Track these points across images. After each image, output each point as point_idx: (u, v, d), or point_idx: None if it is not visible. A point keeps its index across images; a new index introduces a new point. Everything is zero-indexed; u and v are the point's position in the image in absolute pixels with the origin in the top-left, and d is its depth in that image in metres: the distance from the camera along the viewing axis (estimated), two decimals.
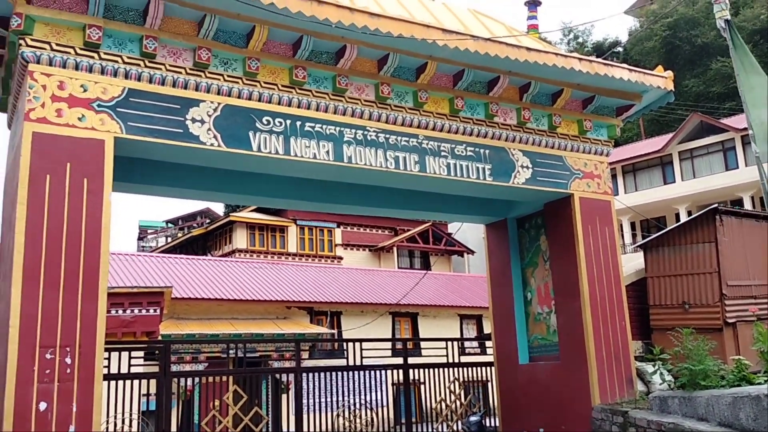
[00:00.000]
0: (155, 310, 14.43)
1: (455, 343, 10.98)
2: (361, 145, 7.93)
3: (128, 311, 13.93)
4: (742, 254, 10.51)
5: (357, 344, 9.88)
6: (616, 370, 9.12)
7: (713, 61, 41.55)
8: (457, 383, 10.59)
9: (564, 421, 9.12)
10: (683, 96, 38.98)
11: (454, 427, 10.41)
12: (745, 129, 21.63)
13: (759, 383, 6.99)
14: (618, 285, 9.45)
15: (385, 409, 10.52)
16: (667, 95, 9.71)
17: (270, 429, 9.39)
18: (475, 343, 21.81)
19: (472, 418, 9.88)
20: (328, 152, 7.70)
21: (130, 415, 8.11)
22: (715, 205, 10.58)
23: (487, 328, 24.90)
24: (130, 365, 8.07)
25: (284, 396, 18.31)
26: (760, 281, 10.55)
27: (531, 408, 9.68)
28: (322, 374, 9.62)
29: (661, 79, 9.47)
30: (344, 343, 10.46)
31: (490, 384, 10.78)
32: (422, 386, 10.36)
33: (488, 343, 11.85)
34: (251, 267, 26.12)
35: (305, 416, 9.28)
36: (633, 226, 36.67)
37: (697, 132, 34.16)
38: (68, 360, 5.89)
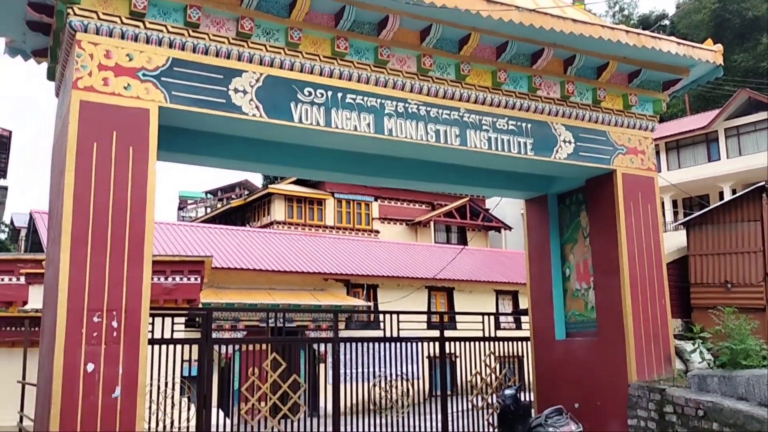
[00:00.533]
0: (196, 279, 14.69)
1: (491, 317, 10.98)
2: (402, 117, 7.91)
3: (170, 279, 14.21)
4: None
5: (394, 316, 9.95)
6: (654, 348, 9.03)
7: (764, 35, 40.23)
8: (492, 357, 10.61)
9: (600, 398, 9.09)
10: (731, 71, 37.83)
11: (489, 400, 10.45)
12: None
13: None
14: (659, 263, 9.32)
15: (420, 381, 10.60)
16: (716, 70, 9.45)
17: (308, 397, 9.56)
18: (510, 319, 21.77)
19: (508, 392, 9.88)
20: (368, 124, 7.70)
21: (173, 379, 8.33)
22: (762, 183, 10.32)
23: (524, 303, 24.78)
24: (173, 331, 8.27)
25: (321, 366, 18.62)
26: None
27: (566, 383, 9.66)
28: (359, 345, 9.73)
29: (709, 53, 9.22)
30: (381, 316, 10.55)
31: (525, 359, 10.78)
32: (457, 360, 10.40)
33: (524, 319, 11.83)
34: (289, 238, 26.41)
35: (342, 386, 9.42)
36: (675, 203, 36.00)
37: (744, 108, 33.24)
38: (115, 323, 6.06)
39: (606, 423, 8.97)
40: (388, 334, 9.87)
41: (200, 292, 15.38)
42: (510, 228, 37.35)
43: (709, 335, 8.04)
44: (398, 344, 9.95)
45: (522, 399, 10.05)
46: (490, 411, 10.44)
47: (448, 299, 26.68)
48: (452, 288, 26.78)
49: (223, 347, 11.05)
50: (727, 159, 33.63)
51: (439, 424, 10.02)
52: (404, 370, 10.09)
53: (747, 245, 10.00)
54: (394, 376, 10.03)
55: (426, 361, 10.91)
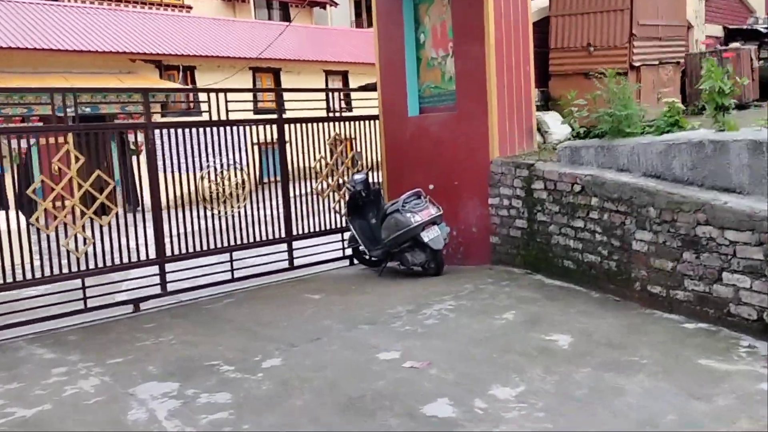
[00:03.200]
0: None
1: (335, 93, 9.57)
2: None
3: None
4: None
5: (219, 96, 8.18)
6: (517, 121, 8.24)
7: None
8: (337, 140, 9.37)
9: (457, 177, 8.31)
10: None
11: (335, 186, 9.36)
12: None
13: (693, 128, 6.21)
14: (525, 23, 8.27)
15: (255, 170, 9.15)
16: None
17: (127, 193, 7.84)
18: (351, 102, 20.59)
19: (357, 177, 8.81)
20: None
21: None
22: None
23: (354, 84, 23.57)
24: None
25: (136, 160, 16.51)
26: (667, 21, 9.68)
27: (420, 164, 8.79)
28: (179, 131, 7.94)
29: None
30: (203, 99, 8.68)
31: (373, 142, 9.65)
32: (298, 146, 9.01)
33: (370, 95, 10.46)
34: (85, 13, 22.45)
35: (162, 179, 7.80)
36: None
37: None
38: None
39: (464, 204, 8.29)
40: (214, 119, 8.18)
41: None
42: (336, 4, 34.92)
43: (584, 102, 7.20)
44: (227, 128, 8.34)
45: (372, 184, 9.09)
46: (337, 198, 9.42)
47: (275, 81, 24.72)
48: (279, 69, 24.73)
49: (21, 143, 8.81)
50: None
51: (282, 209, 8.86)
52: (236, 160, 8.60)
53: (612, 3, 9.09)
54: (224, 166, 8.50)
55: (259, 150, 9.35)
